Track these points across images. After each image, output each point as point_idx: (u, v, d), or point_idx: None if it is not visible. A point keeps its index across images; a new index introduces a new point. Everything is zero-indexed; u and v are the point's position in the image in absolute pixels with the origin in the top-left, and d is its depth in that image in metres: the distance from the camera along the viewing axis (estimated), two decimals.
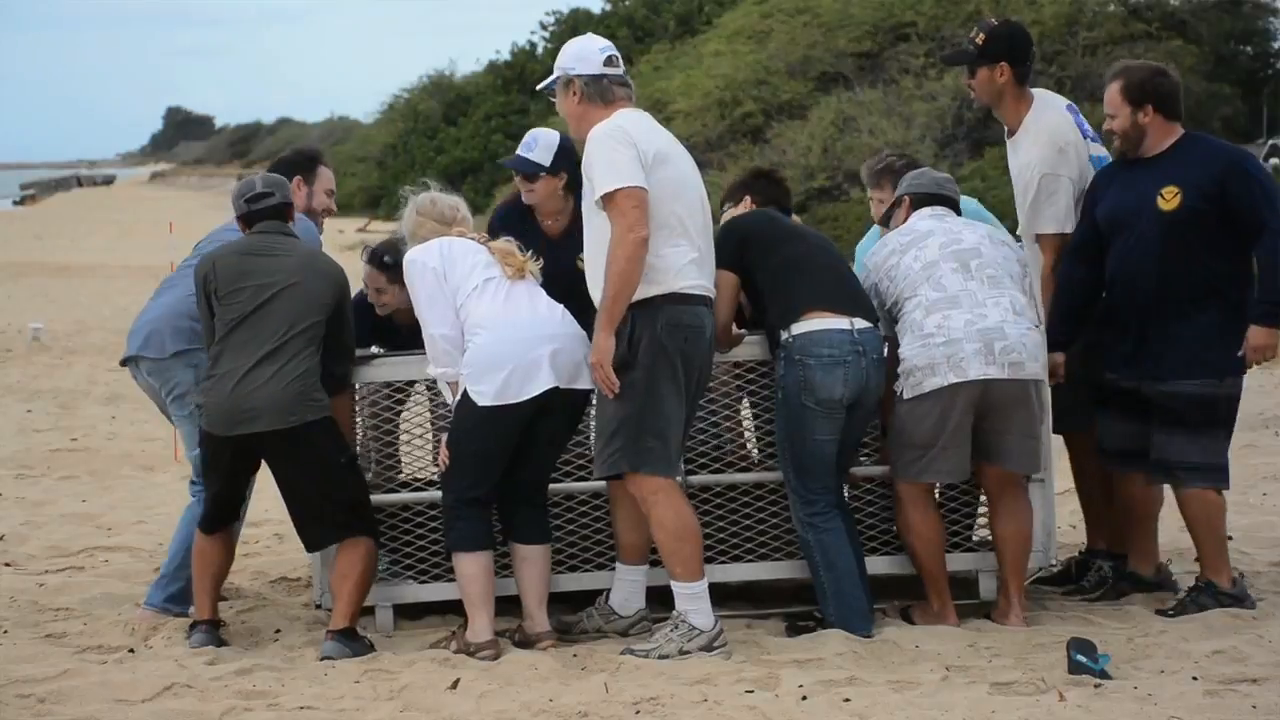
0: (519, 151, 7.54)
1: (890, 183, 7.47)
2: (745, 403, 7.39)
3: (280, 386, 6.72)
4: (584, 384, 6.74)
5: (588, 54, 6.71)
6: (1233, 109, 32.26)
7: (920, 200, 7.22)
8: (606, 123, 6.57)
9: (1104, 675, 6.19)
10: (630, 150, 6.47)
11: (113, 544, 8.97)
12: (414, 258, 6.84)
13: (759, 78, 31.53)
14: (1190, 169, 7.04)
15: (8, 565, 8.56)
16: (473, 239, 6.91)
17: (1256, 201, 6.95)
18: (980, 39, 7.43)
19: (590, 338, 6.59)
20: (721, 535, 7.19)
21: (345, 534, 6.86)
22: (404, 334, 7.59)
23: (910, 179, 7.31)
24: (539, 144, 7.48)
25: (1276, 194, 7.04)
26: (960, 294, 6.87)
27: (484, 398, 6.65)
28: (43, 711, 6.16)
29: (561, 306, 6.80)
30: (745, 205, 7.31)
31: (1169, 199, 7.04)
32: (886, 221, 7.37)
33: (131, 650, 6.90)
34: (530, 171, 7.44)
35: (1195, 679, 6.17)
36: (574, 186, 7.32)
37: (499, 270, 6.79)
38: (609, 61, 6.69)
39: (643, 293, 6.47)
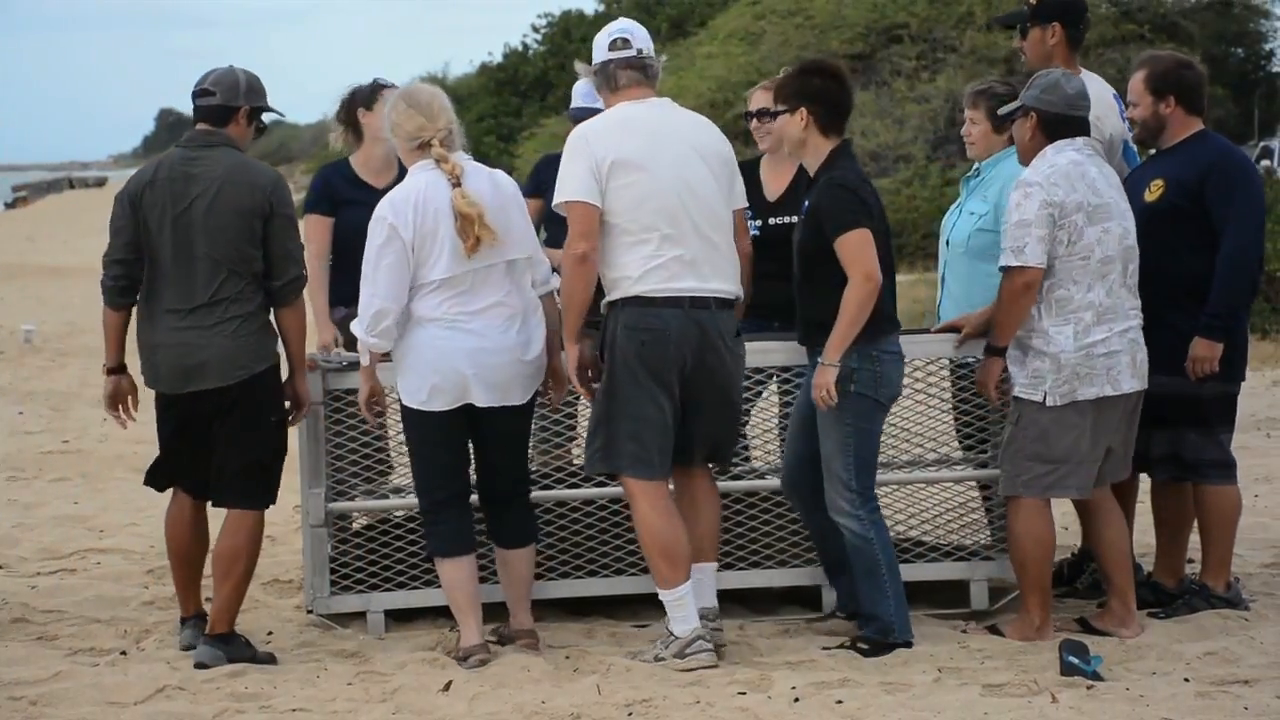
0: (580, 102, 7.91)
1: (984, 105, 7.26)
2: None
3: (224, 337, 6.48)
4: (515, 400, 6.59)
5: (599, 42, 6.66)
6: (1224, 111, 32.34)
7: (1052, 124, 6.73)
8: (575, 129, 6.59)
9: (1096, 677, 6.19)
10: (584, 162, 6.43)
11: (105, 546, 8.96)
12: (385, 216, 6.49)
13: (752, 79, 31.53)
14: (1180, 164, 7.00)
15: (0, 567, 8.55)
16: (446, 172, 6.49)
17: (1228, 207, 6.87)
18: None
19: None
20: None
21: (238, 500, 6.61)
22: (375, 196, 7.45)
23: (1039, 89, 6.74)
24: (596, 95, 7.67)
25: (1255, 207, 6.94)
26: (1119, 303, 6.69)
27: (411, 399, 6.59)
28: (35, 714, 6.15)
29: (509, 314, 6.55)
30: (801, 119, 6.66)
31: (1154, 191, 7.01)
32: (1006, 119, 6.92)
33: (124, 653, 6.90)
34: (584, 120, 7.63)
35: (1187, 680, 6.18)
36: None
37: (459, 259, 6.46)
38: (614, 45, 6.60)
39: (610, 297, 6.49)
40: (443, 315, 6.52)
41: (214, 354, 6.48)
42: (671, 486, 6.67)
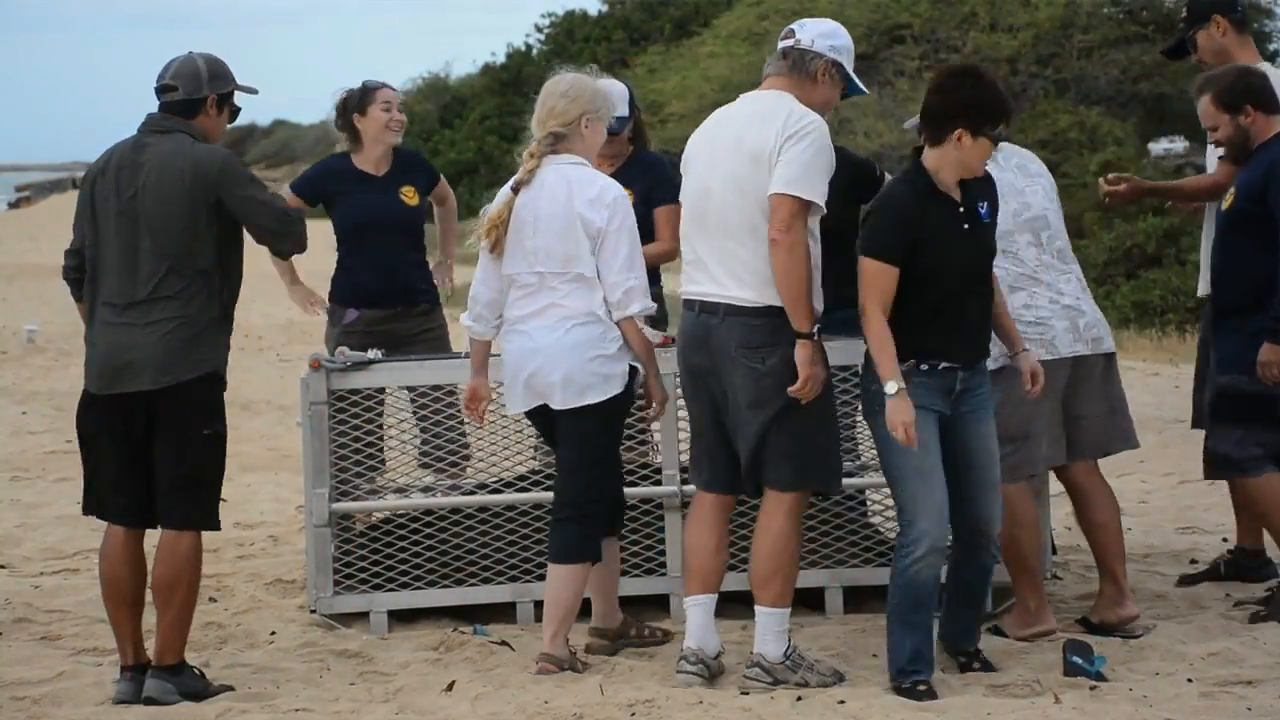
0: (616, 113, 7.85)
1: None
2: None
3: (157, 337, 6.07)
4: (568, 402, 6.41)
5: None
6: None
7: None
8: None
9: (1099, 677, 6.19)
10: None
11: None
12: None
13: (754, 80, 31.45)
14: (1251, 168, 6.98)
15: (3, 567, 8.56)
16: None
17: None
18: (1184, 11, 7.36)
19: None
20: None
21: (170, 519, 6.15)
22: (377, 183, 7.84)
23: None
24: (618, 98, 7.75)
25: None
26: (1038, 270, 6.70)
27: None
28: (38, 714, 6.15)
29: (563, 314, 6.41)
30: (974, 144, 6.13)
31: (1228, 199, 7.02)
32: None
33: None
34: (621, 129, 7.68)
35: (1190, 681, 6.17)
36: (635, 130, 7.77)
37: (519, 259, 6.46)
38: (783, 35, 6.39)
39: None
40: (511, 316, 6.52)
41: (142, 355, 6.08)
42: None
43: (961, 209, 6.16)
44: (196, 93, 6.25)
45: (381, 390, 7.36)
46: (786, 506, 6.22)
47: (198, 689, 6.23)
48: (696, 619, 6.33)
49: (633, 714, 5.93)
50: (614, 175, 7.72)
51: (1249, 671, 6.28)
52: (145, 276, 6.12)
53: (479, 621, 7.13)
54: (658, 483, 7.18)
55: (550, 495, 7.15)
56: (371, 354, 7.30)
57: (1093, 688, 6.08)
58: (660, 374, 6.56)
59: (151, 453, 6.20)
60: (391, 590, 7.21)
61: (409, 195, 8.03)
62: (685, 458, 7.21)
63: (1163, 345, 17.57)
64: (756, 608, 6.26)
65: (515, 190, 6.46)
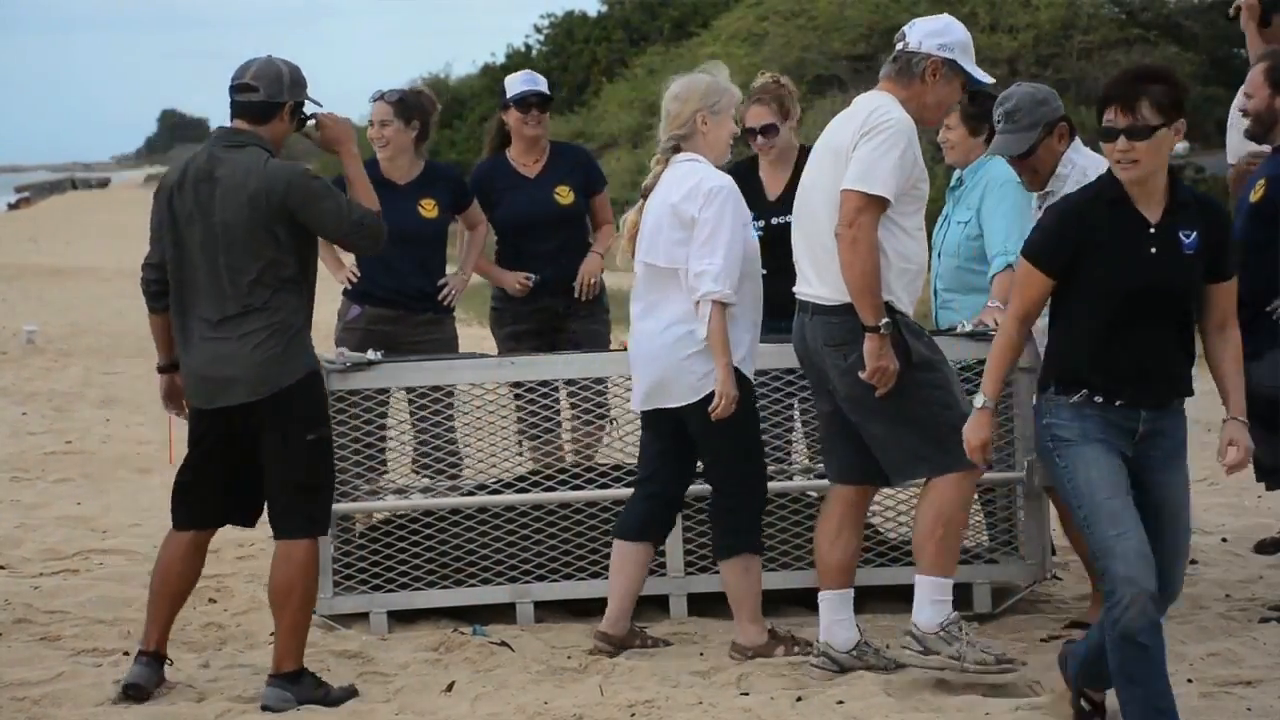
0: (530, 86, 7.98)
1: (959, 109, 7.13)
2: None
3: (250, 349, 6.01)
4: (668, 402, 6.50)
5: None
6: (1225, 111, 32.33)
7: (1070, 129, 6.62)
8: None
9: None
10: None
11: (107, 547, 8.96)
12: None
13: (753, 81, 31.50)
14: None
15: (2, 568, 8.55)
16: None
17: None
18: None
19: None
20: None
21: (281, 529, 6.12)
22: (396, 191, 7.80)
23: (1047, 100, 6.71)
24: (538, 79, 7.94)
25: None
26: None
27: None
28: (37, 714, 6.16)
29: (652, 312, 6.51)
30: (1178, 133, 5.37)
31: (1257, 191, 6.94)
32: (1028, 153, 6.72)
33: (126, 653, 6.88)
34: (547, 101, 7.91)
35: (1190, 681, 6.17)
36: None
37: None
38: (896, 37, 6.33)
39: None
40: (632, 314, 6.63)
41: (238, 369, 6.03)
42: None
43: (1152, 229, 5.32)
44: (276, 96, 6.13)
45: (383, 390, 7.35)
46: (944, 491, 6.13)
47: (315, 697, 6.13)
48: (821, 613, 6.37)
49: (632, 714, 5.93)
50: (544, 167, 7.86)
51: (1249, 671, 6.28)
52: (233, 292, 6.05)
53: (478, 622, 7.14)
54: None
55: (549, 496, 7.17)
56: (370, 354, 7.30)
57: None
58: (730, 366, 6.38)
59: (243, 458, 6.18)
60: (391, 591, 7.21)
61: (427, 208, 7.96)
62: None
63: None
64: (916, 575, 6.22)
65: (644, 197, 6.58)
